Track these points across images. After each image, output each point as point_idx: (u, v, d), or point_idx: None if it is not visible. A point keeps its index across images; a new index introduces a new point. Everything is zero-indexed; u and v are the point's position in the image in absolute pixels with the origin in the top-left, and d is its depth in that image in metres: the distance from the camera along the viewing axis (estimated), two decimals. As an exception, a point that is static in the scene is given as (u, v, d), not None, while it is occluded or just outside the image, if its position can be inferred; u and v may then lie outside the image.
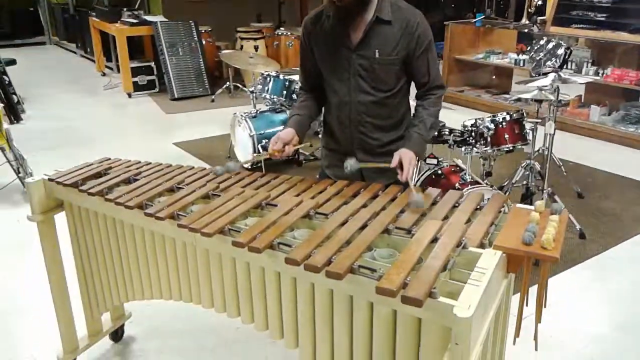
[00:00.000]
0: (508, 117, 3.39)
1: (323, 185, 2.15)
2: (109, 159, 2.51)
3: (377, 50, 2.15)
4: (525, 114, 3.45)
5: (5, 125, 4.33)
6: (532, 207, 1.92)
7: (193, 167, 2.39)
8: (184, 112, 7.32)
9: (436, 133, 3.58)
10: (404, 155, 2.14)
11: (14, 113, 6.86)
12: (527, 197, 3.82)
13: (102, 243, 2.25)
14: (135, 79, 8.09)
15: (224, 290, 1.90)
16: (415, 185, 2.07)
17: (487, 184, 3.28)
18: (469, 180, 3.29)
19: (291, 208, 1.90)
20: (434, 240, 1.67)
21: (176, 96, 7.78)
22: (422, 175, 3.50)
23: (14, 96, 7.05)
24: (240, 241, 1.68)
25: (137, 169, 2.34)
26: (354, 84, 2.22)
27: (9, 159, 4.38)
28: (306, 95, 2.41)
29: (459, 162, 3.43)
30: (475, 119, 3.44)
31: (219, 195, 2.05)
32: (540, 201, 1.92)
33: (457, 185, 3.27)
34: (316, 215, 1.88)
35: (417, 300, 1.37)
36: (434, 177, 3.47)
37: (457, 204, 1.98)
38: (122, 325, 2.82)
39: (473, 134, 3.42)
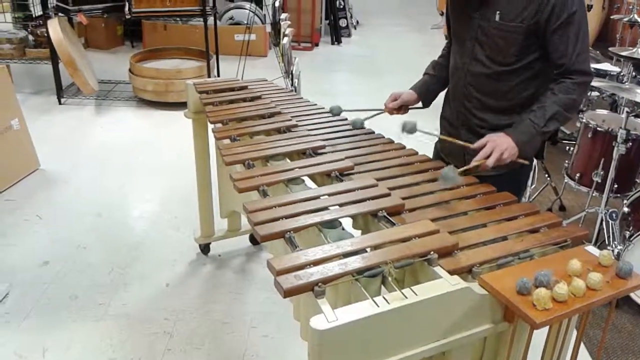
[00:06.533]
0: None
1: (397, 153, 1.94)
2: (265, 80, 2.70)
3: (498, 13, 1.76)
4: None
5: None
6: (596, 254, 1.40)
7: (316, 105, 2.40)
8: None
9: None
10: (493, 140, 1.75)
11: (336, 35, 7.62)
12: None
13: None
14: (458, 22, 7.99)
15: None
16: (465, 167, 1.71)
17: None
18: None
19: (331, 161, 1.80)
20: (405, 240, 1.40)
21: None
22: (637, 192, 2.73)
23: (343, 20, 7.80)
24: (232, 176, 1.68)
25: (266, 93, 2.47)
26: (470, 49, 1.88)
27: (281, 71, 4.98)
28: (447, 49, 2.17)
29: None
30: None
31: (289, 132, 2.05)
32: (607, 251, 1.38)
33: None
34: (337, 176, 1.73)
35: (281, 289, 1.21)
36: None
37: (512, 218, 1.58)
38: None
39: None
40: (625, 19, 4.35)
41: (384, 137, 2.11)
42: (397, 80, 6.13)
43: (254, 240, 3.11)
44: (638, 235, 2.44)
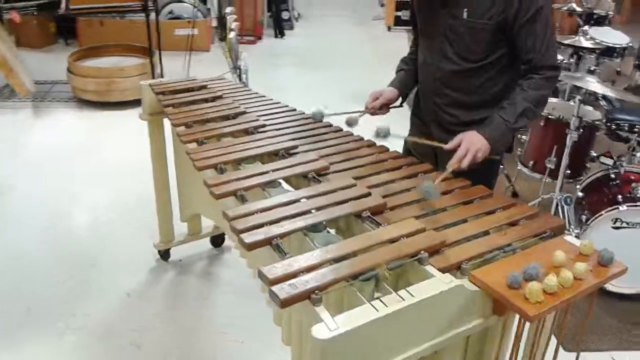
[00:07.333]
0: None
1: (369, 150, 1.92)
2: (223, 78, 2.62)
3: (465, 10, 1.77)
4: None
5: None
6: (577, 244, 1.43)
7: (279, 103, 2.35)
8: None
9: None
10: (466, 139, 1.76)
11: (279, 28, 7.54)
12: None
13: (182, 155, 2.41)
14: (399, 13, 8.08)
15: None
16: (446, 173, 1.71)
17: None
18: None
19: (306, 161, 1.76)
20: (393, 241, 1.38)
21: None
22: (589, 177, 2.83)
23: (285, 12, 7.72)
24: (207, 182, 1.62)
25: (226, 92, 2.40)
26: (438, 46, 1.88)
27: (229, 66, 4.88)
28: (415, 46, 2.13)
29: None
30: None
31: (256, 134, 1.99)
32: (588, 241, 1.41)
33: (619, 197, 2.56)
34: (314, 178, 1.70)
35: (278, 299, 1.17)
36: (602, 180, 2.77)
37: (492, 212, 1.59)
38: (223, 234, 3.01)
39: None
40: (564, 8, 4.50)
41: (352, 134, 2.08)
42: (343, 72, 6.15)
43: (215, 242, 3.03)
44: (595, 219, 2.53)
